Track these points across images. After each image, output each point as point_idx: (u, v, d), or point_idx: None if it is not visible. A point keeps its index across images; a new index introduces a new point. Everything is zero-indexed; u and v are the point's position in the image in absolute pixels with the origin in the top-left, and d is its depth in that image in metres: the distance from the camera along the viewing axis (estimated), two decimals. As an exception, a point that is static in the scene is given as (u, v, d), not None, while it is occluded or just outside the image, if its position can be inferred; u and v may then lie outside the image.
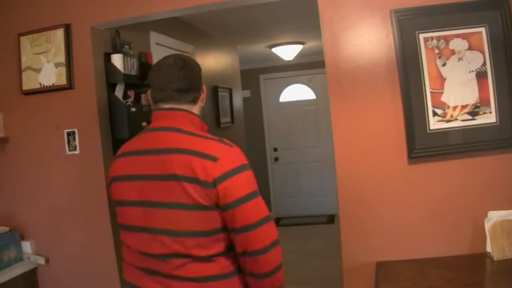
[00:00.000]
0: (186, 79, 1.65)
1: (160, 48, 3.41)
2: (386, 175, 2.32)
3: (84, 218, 2.60)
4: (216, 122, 4.66)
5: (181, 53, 2.35)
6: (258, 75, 7.80)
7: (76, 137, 2.54)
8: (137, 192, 1.59)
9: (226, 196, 1.50)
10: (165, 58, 1.70)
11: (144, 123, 2.67)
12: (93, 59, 2.54)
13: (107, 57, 2.62)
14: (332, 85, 2.33)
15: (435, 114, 2.24)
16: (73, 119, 2.57)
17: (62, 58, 2.57)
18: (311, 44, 6.13)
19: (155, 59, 3.08)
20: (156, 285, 1.58)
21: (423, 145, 2.26)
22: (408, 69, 2.24)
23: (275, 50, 6.12)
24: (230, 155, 1.56)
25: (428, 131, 2.25)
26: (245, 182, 1.54)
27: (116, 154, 1.72)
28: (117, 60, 2.60)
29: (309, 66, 7.32)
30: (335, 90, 2.33)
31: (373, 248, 2.36)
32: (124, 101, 2.57)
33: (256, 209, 1.54)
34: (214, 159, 1.51)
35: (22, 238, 2.66)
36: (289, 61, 6.48)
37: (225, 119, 4.95)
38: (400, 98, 2.27)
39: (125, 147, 1.70)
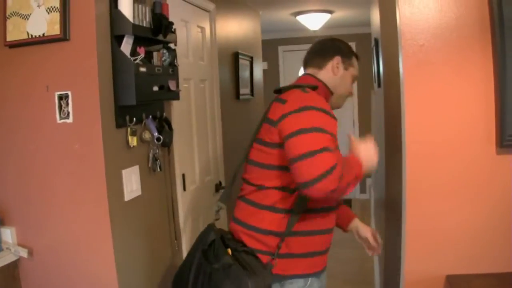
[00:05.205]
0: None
1: (176, 0, 2.86)
2: (468, 165, 1.82)
3: (77, 202, 2.07)
4: (235, 93, 4.10)
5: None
6: (277, 46, 7.24)
7: (70, 102, 2.01)
8: None
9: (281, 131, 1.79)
10: None
11: (156, 88, 2.13)
12: (96, 4, 1.99)
13: (114, 2, 2.07)
14: (406, 46, 1.80)
15: (536, 91, 1.71)
16: (67, 79, 2.02)
17: (56, 1, 2.03)
18: (339, 14, 5.52)
19: (171, 12, 2.54)
20: None
21: (519, 132, 1.74)
22: (505, 31, 1.71)
23: (300, 18, 5.55)
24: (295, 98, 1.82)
25: (527, 114, 1.72)
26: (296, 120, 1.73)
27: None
28: (125, 6, 2.05)
29: (334, 39, 6.73)
30: (409, 53, 1.81)
31: (443, 257, 1.88)
32: (132, 59, 2.03)
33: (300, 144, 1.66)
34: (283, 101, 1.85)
35: (2, 224, 2.17)
36: (314, 31, 5.89)
37: (244, 90, 4.38)
38: (492, 68, 1.76)
39: None
